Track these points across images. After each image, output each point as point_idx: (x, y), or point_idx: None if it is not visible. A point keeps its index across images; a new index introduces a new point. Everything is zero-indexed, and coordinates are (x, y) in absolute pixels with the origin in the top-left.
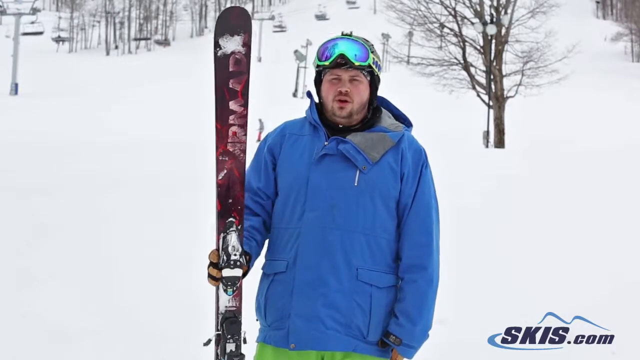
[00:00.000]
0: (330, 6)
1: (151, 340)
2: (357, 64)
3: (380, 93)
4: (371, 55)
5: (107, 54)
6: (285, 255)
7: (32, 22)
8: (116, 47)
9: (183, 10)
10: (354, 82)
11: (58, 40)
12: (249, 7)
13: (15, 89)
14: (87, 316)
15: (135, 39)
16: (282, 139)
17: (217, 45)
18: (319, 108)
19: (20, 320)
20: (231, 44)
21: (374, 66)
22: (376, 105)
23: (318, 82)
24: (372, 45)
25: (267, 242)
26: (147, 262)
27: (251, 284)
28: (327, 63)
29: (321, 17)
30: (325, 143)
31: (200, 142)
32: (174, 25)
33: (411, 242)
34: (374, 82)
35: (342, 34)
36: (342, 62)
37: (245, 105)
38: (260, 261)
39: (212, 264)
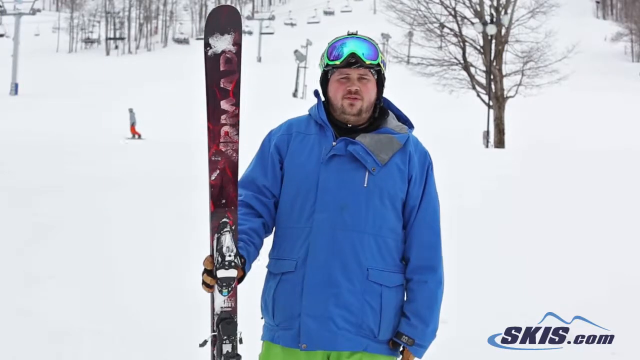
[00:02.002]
0: (326, 8)
1: (151, 340)
2: (368, 62)
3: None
4: (380, 54)
5: (107, 54)
6: (294, 255)
7: None
8: (116, 47)
9: (183, 10)
10: (363, 81)
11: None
12: (249, 7)
13: (15, 89)
14: (87, 316)
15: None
16: (289, 138)
17: (207, 45)
18: (325, 107)
19: (20, 320)
20: (222, 43)
21: (382, 65)
22: (382, 106)
23: (324, 81)
24: (378, 44)
25: (272, 239)
26: (147, 262)
27: (246, 284)
28: (338, 62)
29: (316, 21)
30: (334, 143)
31: (200, 142)
32: (173, 25)
33: (420, 243)
34: (381, 80)
35: (348, 33)
36: (353, 61)
37: (237, 104)
38: (261, 262)
39: (207, 271)
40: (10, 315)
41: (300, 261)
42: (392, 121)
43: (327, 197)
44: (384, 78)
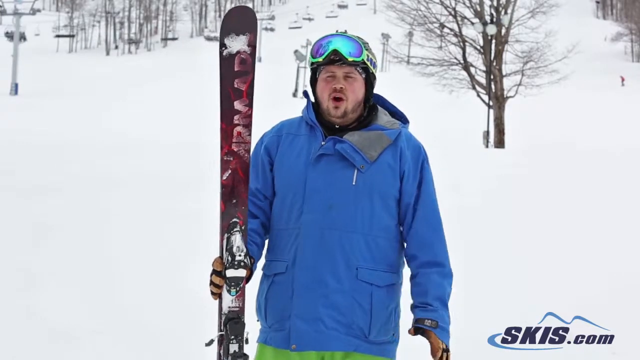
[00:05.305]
0: (316, 9)
1: (152, 340)
2: (350, 59)
3: (380, 93)
4: (365, 52)
5: (107, 54)
6: (284, 256)
7: None
8: (116, 47)
9: (183, 10)
10: (349, 79)
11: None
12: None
13: (15, 89)
14: (88, 316)
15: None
16: (279, 139)
17: (222, 45)
18: (315, 108)
19: (20, 320)
20: (237, 44)
21: (368, 62)
22: (372, 104)
23: (313, 81)
24: (367, 43)
25: (266, 242)
26: (148, 262)
27: (253, 285)
28: (320, 59)
29: (298, 26)
30: (322, 143)
31: (200, 142)
32: (174, 25)
33: (423, 240)
34: (369, 79)
35: (337, 32)
36: (335, 58)
37: (250, 105)
38: (261, 262)
39: (215, 272)
40: (11, 314)
41: (290, 262)
42: (382, 117)
43: (315, 197)
44: (373, 77)
